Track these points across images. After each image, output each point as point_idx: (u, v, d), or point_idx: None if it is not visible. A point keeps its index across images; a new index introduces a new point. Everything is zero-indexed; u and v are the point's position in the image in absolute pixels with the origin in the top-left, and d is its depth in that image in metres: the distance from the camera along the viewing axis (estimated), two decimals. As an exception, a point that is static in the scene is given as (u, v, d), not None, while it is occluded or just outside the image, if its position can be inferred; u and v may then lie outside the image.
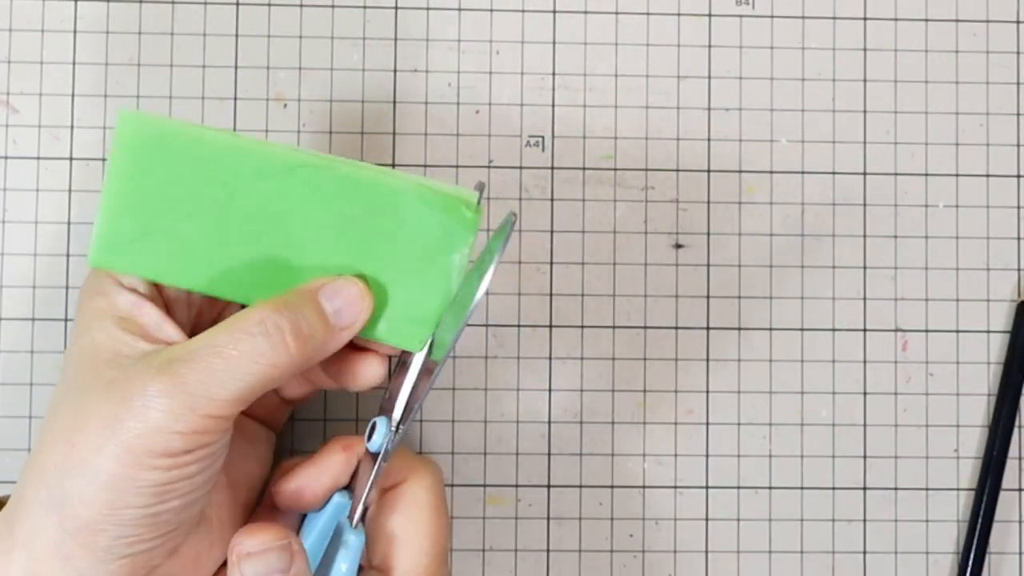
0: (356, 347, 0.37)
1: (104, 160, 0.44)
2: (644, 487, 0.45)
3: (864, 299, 0.45)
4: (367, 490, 0.36)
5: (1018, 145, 0.46)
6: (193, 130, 0.34)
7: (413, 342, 0.36)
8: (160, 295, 0.35)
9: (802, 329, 0.45)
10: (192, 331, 0.35)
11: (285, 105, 0.45)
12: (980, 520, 0.44)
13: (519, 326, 0.45)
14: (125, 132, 0.34)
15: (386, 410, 0.37)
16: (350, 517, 0.36)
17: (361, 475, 0.37)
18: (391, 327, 0.36)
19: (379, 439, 0.36)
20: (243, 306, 0.36)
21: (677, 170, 0.45)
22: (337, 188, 0.35)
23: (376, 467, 0.36)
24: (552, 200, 0.45)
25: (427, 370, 0.36)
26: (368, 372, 0.37)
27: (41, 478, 0.32)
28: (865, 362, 0.45)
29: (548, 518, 0.44)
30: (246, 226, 0.34)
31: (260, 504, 0.38)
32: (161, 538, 0.33)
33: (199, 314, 0.37)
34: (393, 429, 0.36)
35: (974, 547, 0.44)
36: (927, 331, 0.45)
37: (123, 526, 0.32)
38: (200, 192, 0.34)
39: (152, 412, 0.31)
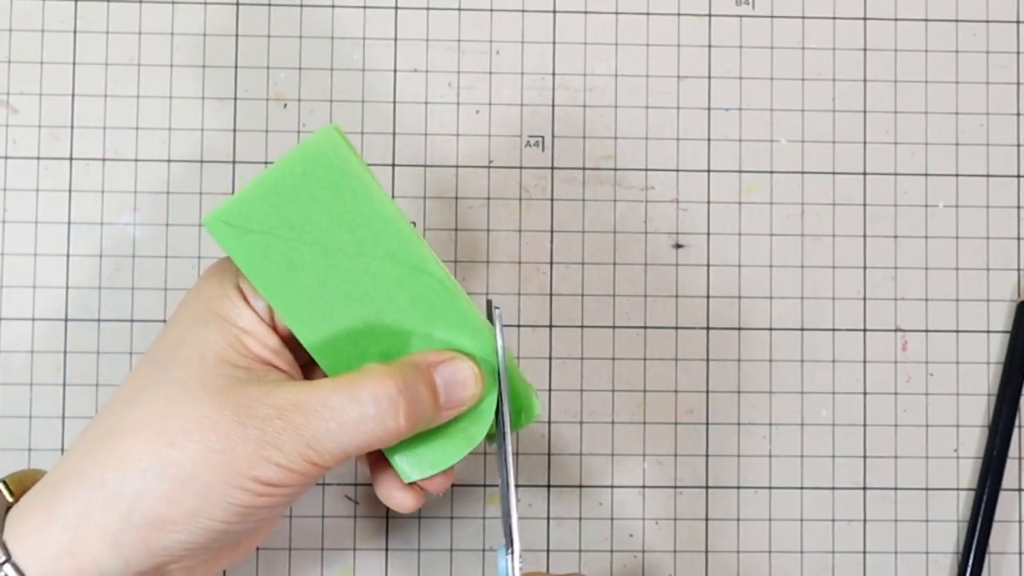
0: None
1: (104, 160, 0.44)
2: (644, 487, 0.45)
3: (864, 299, 0.45)
4: None
5: (1018, 145, 0.46)
6: (371, 184, 0.35)
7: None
8: (275, 322, 0.35)
9: (802, 329, 0.45)
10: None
11: (285, 105, 0.45)
12: (980, 520, 0.44)
13: (519, 326, 0.45)
14: (318, 142, 0.34)
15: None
16: None
17: None
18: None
19: (501, 569, 0.35)
20: None
21: (677, 170, 0.45)
22: (436, 302, 0.35)
23: None
24: (552, 200, 0.45)
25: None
26: (398, 499, 0.37)
27: (114, 464, 0.32)
28: (865, 362, 0.45)
29: (548, 518, 0.44)
30: (348, 283, 0.35)
31: None
32: (216, 549, 0.34)
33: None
34: (508, 556, 0.35)
35: (974, 547, 0.44)
36: (927, 331, 0.45)
37: (194, 533, 0.32)
38: (336, 233, 0.34)
39: (267, 447, 0.32)
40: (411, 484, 0.36)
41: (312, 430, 0.32)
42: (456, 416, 0.35)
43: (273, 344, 0.34)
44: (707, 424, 0.45)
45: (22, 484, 0.34)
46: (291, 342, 0.35)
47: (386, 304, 0.35)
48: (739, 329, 0.45)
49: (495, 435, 0.36)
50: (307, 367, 0.37)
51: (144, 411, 0.32)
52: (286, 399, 0.33)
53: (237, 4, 0.45)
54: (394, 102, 0.45)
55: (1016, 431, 0.45)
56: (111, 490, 0.32)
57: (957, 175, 0.46)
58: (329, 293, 0.35)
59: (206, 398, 0.32)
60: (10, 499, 0.34)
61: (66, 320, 0.44)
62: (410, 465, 0.36)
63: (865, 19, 0.46)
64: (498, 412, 0.36)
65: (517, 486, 0.36)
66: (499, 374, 0.36)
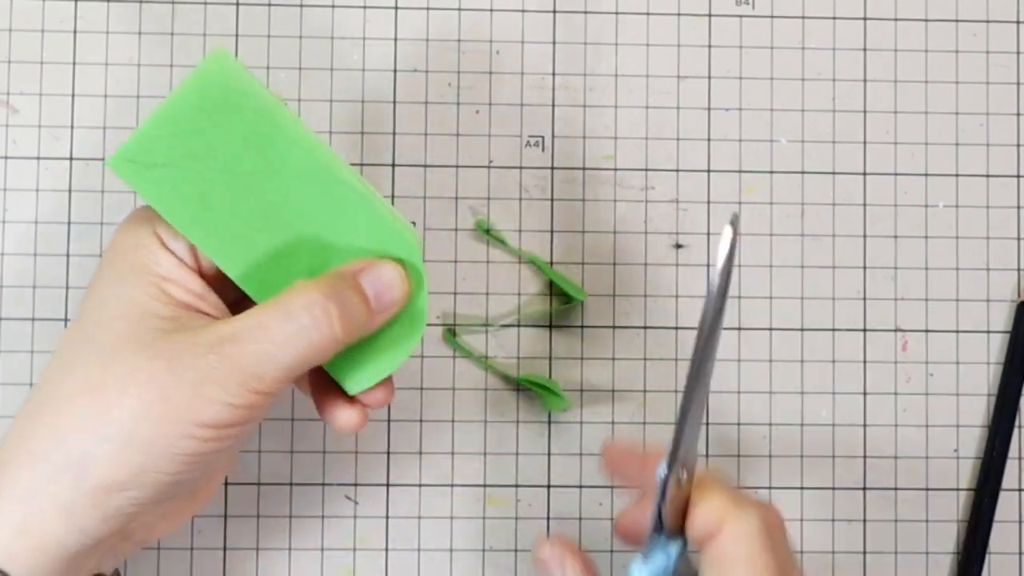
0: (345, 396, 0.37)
1: (103, 160, 0.44)
2: (644, 487, 0.45)
3: (864, 299, 0.45)
4: (654, 527, 0.34)
5: (1018, 145, 0.46)
6: (270, 102, 0.34)
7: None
8: (198, 266, 0.35)
9: (802, 329, 0.45)
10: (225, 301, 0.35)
11: (285, 105, 0.45)
12: (980, 520, 0.44)
13: (519, 326, 0.45)
14: (210, 68, 0.34)
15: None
16: None
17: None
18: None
19: (659, 474, 0.33)
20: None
21: (677, 170, 0.45)
22: (353, 211, 0.35)
23: (656, 506, 0.33)
24: (552, 200, 0.45)
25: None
26: (343, 419, 0.36)
27: (55, 435, 0.32)
28: (865, 362, 0.45)
29: (548, 518, 0.44)
30: (263, 206, 0.34)
31: None
32: (169, 501, 0.34)
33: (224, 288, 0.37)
34: (665, 465, 0.33)
35: (974, 547, 0.44)
36: (927, 331, 0.45)
37: (143, 488, 0.32)
38: (242, 156, 0.34)
39: (205, 387, 0.31)
40: (354, 400, 0.36)
41: (249, 355, 0.32)
42: (389, 320, 0.35)
43: (196, 287, 0.34)
44: (707, 424, 0.45)
45: None
46: (216, 283, 0.35)
47: (304, 221, 0.35)
48: (739, 329, 0.45)
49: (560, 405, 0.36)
50: (235, 307, 0.36)
51: (77, 377, 0.32)
52: (217, 334, 0.32)
53: (237, 4, 0.45)
54: (394, 102, 0.45)
55: (1016, 431, 0.45)
56: (55, 462, 0.32)
57: (957, 175, 0.46)
58: (245, 219, 0.34)
59: (136, 354, 0.32)
60: None
61: (66, 320, 0.44)
62: (352, 377, 0.36)
63: (865, 19, 0.46)
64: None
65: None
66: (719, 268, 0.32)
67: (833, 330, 0.45)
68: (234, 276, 0.34)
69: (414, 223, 0.44)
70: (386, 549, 0.44)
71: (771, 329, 0.45)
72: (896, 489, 0.45)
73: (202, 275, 0.35)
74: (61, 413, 0.32)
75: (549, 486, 0.45)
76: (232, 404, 0.32)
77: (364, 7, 0.45)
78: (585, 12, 0.46)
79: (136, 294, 0.33)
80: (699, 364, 0.32)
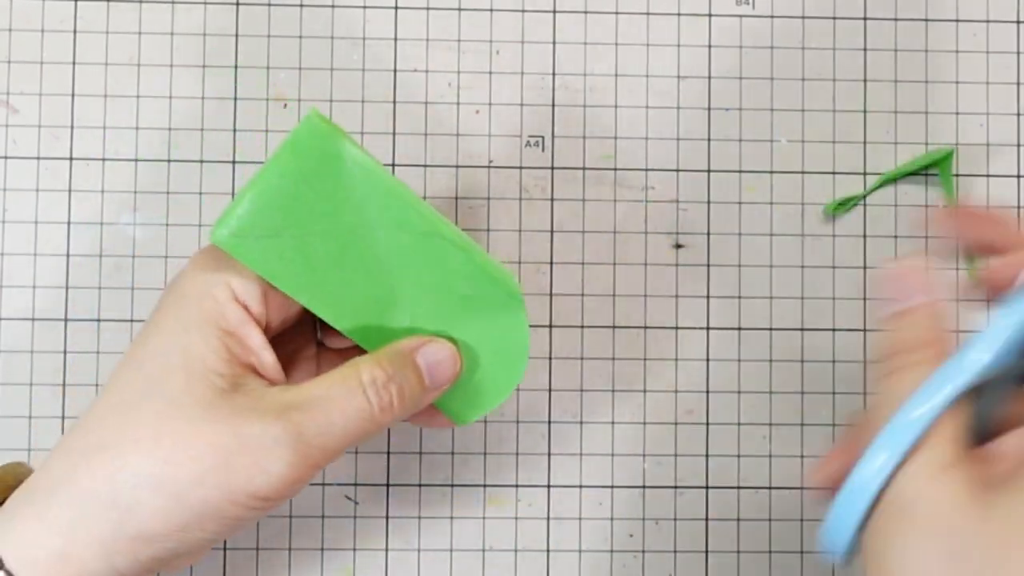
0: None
1: (103, 160, 0.44)
2: (644, 487, 0.45)
3: (864, 299, 0.45)
4: None
5: (1018, 145, 0.46)
6: (364, 160, 0.35)
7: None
8: (266, 313, 0.35)
9: (802, 329, 0.45)
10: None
11: (285, 105, 0.45)
12: (980, 520, 0.44)
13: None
14: (304, 135, 0.34)
15: None
16: None
17: None
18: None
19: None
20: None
21: (677, 170, 0.45)
22: (453, 262, 0.36)
23: None
24: (552, 200, 0.45)
25: None
26: (441, 420, 0.38)
27: (107, 477, 0.32)
28: (865, 362, 0.45)
29: (548, 518, 0.44)
30: (365, 261, 0.35)
31: None
32: (200, 552, 0.34)
33: (283, 328, 0.37)
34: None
35: (974, 547, 0.44)
36: (927, 331, 0.45)
37: (183, 543, 0.32)
38: (341, 215, 0.35)
39: (267, 455, 0.32)
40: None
41: (315, 425, 0.32)
42: (435, 398, 0.36)
43: (257, 344, 0.34)
44: (707, 424, 0.45)
45: (4, 482, 0.34)
46: (275, 331, 0.35)
47: (405, 273, 0.35)
48: (739, 329, 0.45)
49: None
50: (289, 365, 0.37)
51: (136, 425, 0.32)
52: (282, 401, 0.33)
53: (237, 4, 0.45)
54: (394, 102, 0.45)
55: (1016, 431, 0.45)
56: (104, 501, 0.32)
57: (957, 175, 0.46)
58: (349, 276, 0.35)
59: (199, 412, 0.32)
60: None
61: (66, 320, 0.44)
62: (460, 413, 0.37)
63: (865, 19, 0.46)
64: None
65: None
66: None
67: (833, 330, 0.45)
68: (345, 332, 0.35)
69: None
70: (386, 549, 0.44)
71: (771, 329, 0.45)
72: (896, 489, 0.45)
73: (266, 328, 0.35)
74: (117, 459, 0.32)
75: (549, 486, 0.45)
76: (287, 477, 0.32)
77: (364, 7, 0.45)
78: (585, 12, 0.46)
79: (201, 348, 0.33)
80: None
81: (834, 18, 0.46)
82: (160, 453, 0.32)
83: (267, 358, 0.34)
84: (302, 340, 0.39)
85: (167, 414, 0.32)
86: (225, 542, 0.44)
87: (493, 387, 0.37)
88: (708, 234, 0.45)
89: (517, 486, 0.44)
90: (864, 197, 0.46)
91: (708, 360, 0.45)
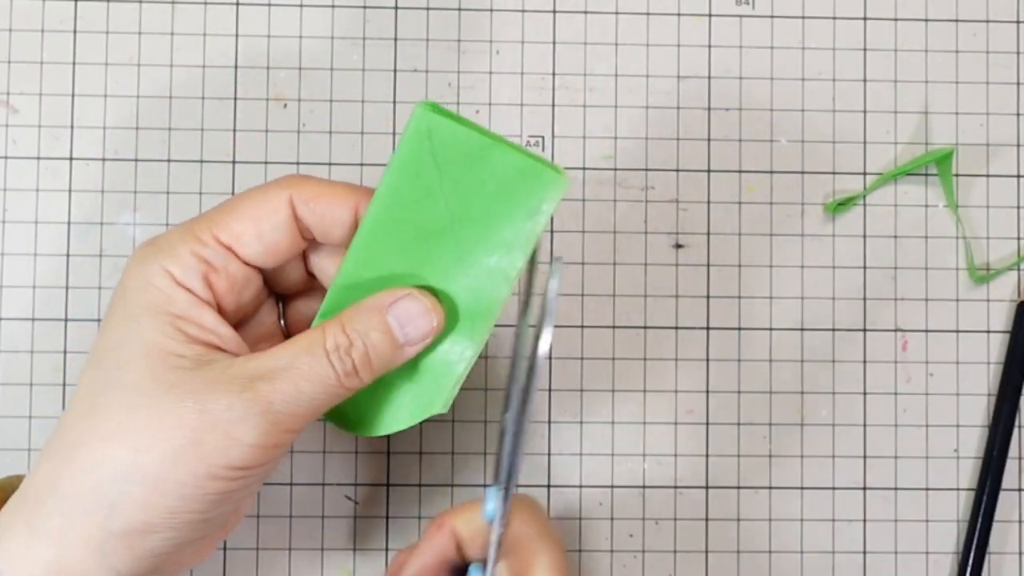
0: None
1: (103, 160, 0.44)
2: (644, 487, 0.45)
3: (864, 299, 0.45)
4: (491, 564, 0.36)
5: (1018, 145, 0.46)
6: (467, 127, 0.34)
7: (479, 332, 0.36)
8: (213, 296, 0.34)
9: (802, 329, 0.45)
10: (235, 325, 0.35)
11: (285, 105, 0.45)
12: (980, 520, 0.44)
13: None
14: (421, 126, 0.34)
15: (497, 477, 0.36)
16: None
17: (488, 546, 0.36)
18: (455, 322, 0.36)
19: (489, 509, 0.35)
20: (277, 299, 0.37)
21: (677, 170, 0.45)
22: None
23: (494, 537, 0.35)
24: (552, 200, 0.45)
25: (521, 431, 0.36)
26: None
27: (86, 476, 0.32)
28: (865, 362, 0.45)
29: (548, 518, 0.44)
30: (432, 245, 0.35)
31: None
32: (201, 538, 0.34)
33: (241, 312, 0.37)
34: (500, 495, 0.35)
35: (974, 547, 0.44)
36: (927, 331, 0.45)
37: (175, 529, 0.32)
38: (464, 201, 0.35)
39: (237, 426, 0.31)
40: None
41: (282, 394, 0.32)
42: (420, 351, 0.35)
43: (211, 323, 0.34)
44: (707, 424, 0.45)
45: (4, 493, 0.34)
46: (233, 317, 0.35)
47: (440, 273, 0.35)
48: (739, 329, 0.45)
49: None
50: (252, 344, 0.36)
51: (105, 420, 0.32)
52: (247, 372, 0.32)
53: (237, 4, 0.45)
54: (394, 102, 0.45)
55: (1016, 431, 0.45)
56: (87, 501, 0.31)
57: (957, 175, 0.46)
58: (409, 240, 0.35)
59: (163, 396, 0.32)
60: None
61: (66, 320, 0.44)
62: (364, 423, 0.36)
63: (865, 19, 0.46)
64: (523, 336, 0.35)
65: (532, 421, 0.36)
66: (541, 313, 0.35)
67: (833, 330, 0.45)
68: (346, 264, 0.35)
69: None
70: (386, 549, 0.44)
71: (771, 329, 0.45)
72: (896, 489, 0.45)
73: (218, 302, 0.34)
74: (90, 456, 0.32)
75: (549, 486, 0.45)
76: (263, 445, 0.32)
77: (364, 7, 0.45)
78: (585, 12, 0.46)
79: (153, 335, 0.33)
80: (527, 394, 0.35)
81: (834, 18, 0.46)
82: (131, 443, 0.31)
83: (225, 332, 0.34)
84: (265, 327, 0.38)
85: (132, 403, 0.32)
86: (225, 541, 0.44)
87: (410, 403, 0.36)
88: (708, 234, 0.45)
89: (517, 486, 0.44)
90: (864, 197, 0.46)
91: (708, 360, 0.45)
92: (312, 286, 0.38)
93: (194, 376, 0.32)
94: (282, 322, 0.39)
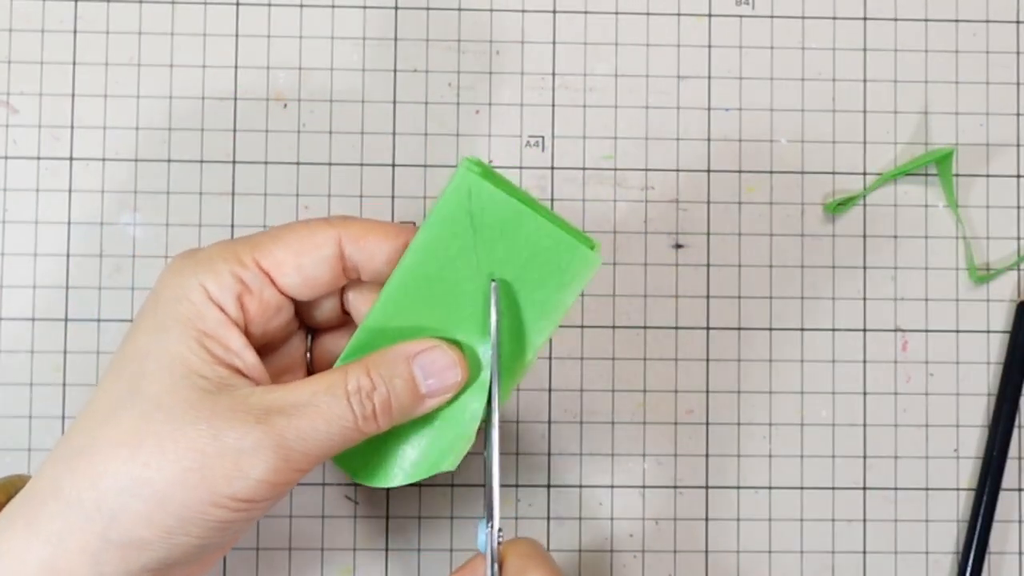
0: None
1: (103, 160, 0.44)
2: (644, 487, 0.45)
3: (864, 299, 0.45)
4: None
5: (1018, 145, 0.46)
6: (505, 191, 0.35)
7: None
8: (244, 319, 0.34)
9: (802, 329, 0.45)
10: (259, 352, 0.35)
11: (285, 105, 0.45)
12: (980, 520, 0.44)
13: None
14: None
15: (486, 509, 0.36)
16: None
17: None
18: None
19: (481, 542, 0.35)
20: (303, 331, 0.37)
21: (677, 170, 0.45)
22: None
23: (489, 570, 0.35)
24: (552, 200, 0.45)
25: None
26: None
27: (92, 485, 0.31)
28: (865, 362, 0.45)
29: (548, 518, 0.44)
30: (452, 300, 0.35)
31: None
32: (194, 561, 0.33)
33: (268, 339, 0.37)
34: (487, 530, 0.35)
35: (974, 547, 0.44)
36: (927, 331, 0.45)
37: (170, 550, 0.32)
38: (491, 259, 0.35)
39: (247, 459, 0.31)
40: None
41: (297, 431, 0.32)
42: (440, 404, 0.35)
43: (236, 345, 0.33)
44: (707, 424, 0.45)
45: (6, 491, 0.34)
46: (258, 339, 0.35)
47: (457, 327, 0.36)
48: (739, 329, 0.45)
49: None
50: (274, 374, 0.36)
51: (117, 429, 0.32)
52: (265, 404, 0.32)
53: (237, 4, 0.45)
54: (394, 102, 0.45)
55: (1016, 431, 0.45)
56: (88, 509, 0.31)
57: (957, 175, 0.46)
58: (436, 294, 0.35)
59: (179, 413, 0.31)
60: None
61: (66, 320, 0.44)
62: (374, 473, 0.36)
63: (865, 19, 0.46)
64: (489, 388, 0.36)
65: (502, 454, 0.36)
66: (492, 338, 0.35)
67: (833, 330, 0.45)
68: (373, 314, 0.35)
69: (413, 223, 0.44)
70: (386, 549, 0.44)
71: (771, 329, 0.45)
72: (896, 489, 0.45)
73: (247, 325, 0.34)
74: (98, 462, 0.32)
75: (549, 486, 0.45)
76: (270, 481, 0.32)
77: (364, 7, 0.45)
78: (585, 12, 0.46)
79: (180, 349, 0.32)
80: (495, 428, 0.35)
81: (834, 18, 0.46)
82: (141, 457, 0.31)
83: (249, 358, 0.34)
84: (291, 358, 0.38)
85: (148, 416, 0.32)
86: (225, 542, 0.44)
87: (426, 458, 0.36)
88: (708, 234, 0.45)
89: (517, 486, 0.44)
90: (864, 197, 0.46)
91: (708, 360, 0.45)
92: (344, 323, 0.38)
93: (213, 400, 0.32)
94: (308, 355, 0.38)
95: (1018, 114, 0.46)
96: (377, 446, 0.36)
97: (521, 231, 0.35)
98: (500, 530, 0.35)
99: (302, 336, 0.38)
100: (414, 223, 0.41)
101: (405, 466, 0.36)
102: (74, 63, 0.45)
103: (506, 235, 0.35)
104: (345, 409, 0.33)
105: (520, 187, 0.36)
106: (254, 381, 0.34)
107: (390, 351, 0.34)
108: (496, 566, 0.35)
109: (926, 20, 0.46)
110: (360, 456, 0.36)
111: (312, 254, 0.34)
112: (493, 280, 0.35)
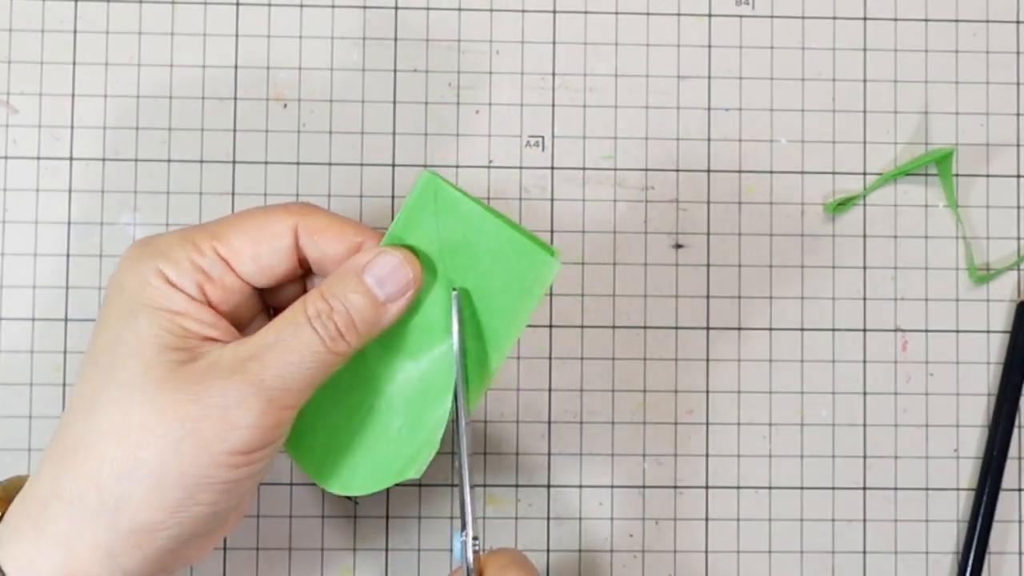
0: None
1: (103, 160, 0.44)
2: (644, 487, 0.45)
3: (864, 299, 0.45)
4: None
5: (1018, 145, 0.46)
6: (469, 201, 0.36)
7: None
8: (207, 299, 0.34)
9: (802, 329, 0.45)
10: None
11: (285, 105, 0.45)
12: (980, 520, 0.44)
13: (519, 326, 0.45)
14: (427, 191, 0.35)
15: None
16: None
17: None
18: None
19: (457, 553, 0.36)
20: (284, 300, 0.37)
21: (677, 170, 0.45)
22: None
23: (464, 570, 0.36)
24: (552, 200, 0.45)
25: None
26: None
27: (89, 479, 0.32)
28: (865, 362, 0.45)
29: (548, 518, 0.44)
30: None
31: None
32: (209, 532, 0.34)
33: (235, 321, 0.37)
34: (462, 539, 0.35)
35: (974, 547, 0.44)
36: (927, 331, 0.45)
37: (181, 525, 0.32)
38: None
39: (233, 411, 0.32)
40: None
41: (273, 371, 0.32)
42: (404, 308, 0.35)
43: (209, 318, 0.34)
44: (707, 424, 0.45)
45: (8, 494, 0.34)
46: (228, 312, 0.35)
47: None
48: (739, 329, 0.45)
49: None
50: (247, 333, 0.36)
51: (102, 419, 0.32)
52: (237, 356, 0.32)
53: (237, 4, 0.45)
54: (394, 102, 0.45)
55: (1016, 431, 0.45)
56: (91, 504, 0.31)
57: (957, 175, 0.46)
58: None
59: (158, 390, 0.32)
60: None
61: (66, 320, 0.44)
62: (335, 477, 0.37)
63: (865, 19, 0.46)
64: (454, 394, 0.36)
65: (472, 464, 0.36)
66: (455, 348, 0.35)
67: (833, 330, 0.45)
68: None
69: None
70: (386, 549, 0.44)
71: (771, 329, 0.45)
72: (896, 489, 0.45)
73: (212, 306, 0.34)
74: (92, 456, 0.32)
75: (549, 486, 0.45)
76: (260, 425, 0.32)
77: (364, 7, 0.45)
78: (585, 12, 0.46)
79: (151, 330, 0.33)
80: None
81: (834, 18, 0.46)
82: (131, 440, 0.31)
83: (223, 326, 0.34)
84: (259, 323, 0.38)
85: (129, 400, 0.32)
86: (225, 541, 0.44)
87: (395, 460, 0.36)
88: (708, 234, 0.45)
89: (517, 486, 0.44)
90: (864, 197, 0.46)
91: (708, 360, 0.45)
92: None
93: (189, 369, 0.32)
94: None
95: (1018, 114, 0.46)
96: (343, 451, 0.36)
97: (483, 237, 0.35)
98: (475, 538, 0.35)
99: (268, 315, 0.38)
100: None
101: (370, 472, 0.36)
102: (74, 63, 0.45)
103: (468, 241, 0.35)
104: (311, 335, 0.33)
105: (482, 200, 0.36)
106: (227, 343, 0.34)
107: (340, 270, 0.34)
108: None
109: (926, 20, 0.46)
110: (326, 460, 0.36)
111: (270, 243, 0.35)
112: (454, 289, 0.35)
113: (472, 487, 0.35)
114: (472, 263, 0.35)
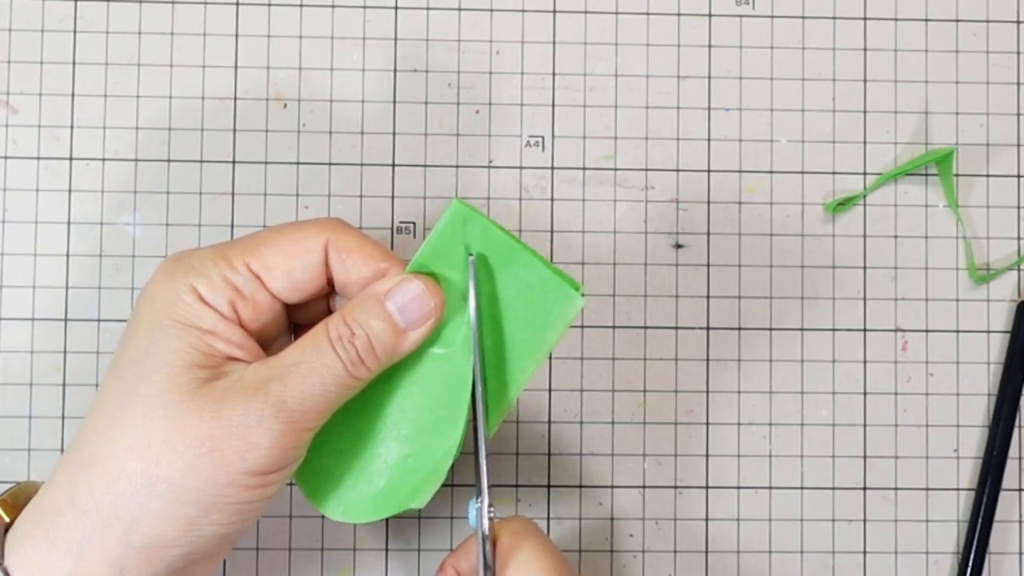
0: None
1: (103, 160, 0.44)
2: (644, 487, 0.45)
3: (864, 299, 0.45)
4: (480, 571, 0.36)
5: (1018, 145, 0.46)
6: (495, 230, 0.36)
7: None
8: (238, 316, 0.34)
9: (802, 329, 0.45)
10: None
11: (285, 105, 0.45)
12: (980, 520, 0.44)
13: (519, 326, 0.45)
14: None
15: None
16: None
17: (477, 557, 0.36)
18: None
19: (472, 520, 0.36)
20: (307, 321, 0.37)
21: (677, 170, 0.45)
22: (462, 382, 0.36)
23: (481, 548, 0.35)
24: (552, 200, 0.45)
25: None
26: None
27: (106, 490, 0.32)
28: (865, 362, 0.45)
29: (548, 518, 0.44)
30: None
31: None
32: (214, 554, 0.34)
33: (261, 338, 0.37)
34: (477, 506, 0.36)
35: (974, 547, 0.44)
36: (927, 331, 0.45)
37: (194, 543, 0.32)
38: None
39: (254, 431, 0.32)
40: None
41: (294, 391, 0.32)
42: (424, 336, 0.35)
43: (238, 339, 0.34)
44: (707, 424, 0.45)
45: (17, 500, 0.34)
46: (257, 330, 0.35)
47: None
48: (739, 329, 0.45)
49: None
50: (272, 348, 0.36)
51: (124, 432, 0.32)
52: (259, 376, 0.33)
53: (237, 4, 0.45)
54: (394, 102, 0.45)
55: (1016, 431, 0.45)
56: (106, 515, 0.32)
57: (957, 175, 0.46)
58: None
59: (181, 406, 0.32)
60: (7, 519, 0.33)
61: (66, 320, 0.44)
62: (333, 503, 0.37)
63: (865, 19, 0.46)
64: (473, 387, 0.36)
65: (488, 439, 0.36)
66: (471, 315, 0.35)
67: (833, 330, 0.45)
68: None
69: (413, 223, 0.44)
70: (386, 549, 0.44)
71: (771, 329, 0.45)
72: (896, 489, 0.45)
73: (242, 325, 0.34)
74: (111, 467, 0.32)
75: (549, 486, 0.45)
76: (279, 447, 0.32)
77: (364, 7, 0.45)
78: (585, 12, 0.46)
79: (180, 346, 0.33)
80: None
81: (834, 18, 0.46)
82: (151, 455, 0.31)
83: (250, 347, 0.34)
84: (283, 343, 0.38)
85: (152, 415, 0.32)
86: (225, 542, 0.44)
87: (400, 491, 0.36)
88: (708, 234, 0.45)
89: (517, 486, 0.44)
90: (864, 197, 0.46)
91: (708, 360, 0.45)
92: None
93: (212, 387, 0.32)
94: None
95: (1018, 114, 0.46)
96: (347, 477, 0.36)
97: (510, 268, 0.35)
98: (491, 506, 0.35)
99: (291, 332, 0.38)
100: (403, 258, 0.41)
101: (373, 501, 0.36)
102: (74, 63, 0.45)
103: (495, 272, 0.35)
104: (332, 359, 0.33)
105: (510, 231, 0.36)
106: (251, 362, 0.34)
107: (363, 294, 0.35)
108: (488, 544, 0.35)
109: (926, 20, 0.46)
110: (328, 485, 0.36)
111: (302, 258, 0.35)
112: (471, 254, 0.35)
113: (488, 455, 0.35)
114: (497, 293, 0.35)
